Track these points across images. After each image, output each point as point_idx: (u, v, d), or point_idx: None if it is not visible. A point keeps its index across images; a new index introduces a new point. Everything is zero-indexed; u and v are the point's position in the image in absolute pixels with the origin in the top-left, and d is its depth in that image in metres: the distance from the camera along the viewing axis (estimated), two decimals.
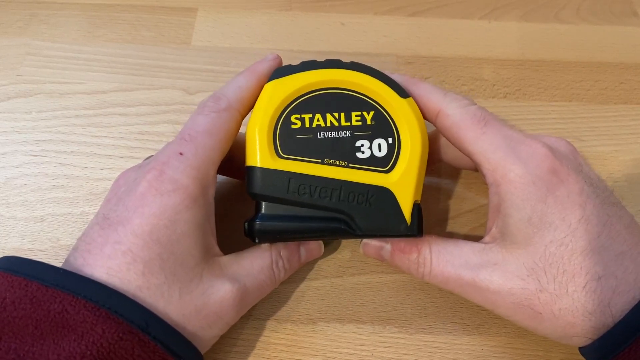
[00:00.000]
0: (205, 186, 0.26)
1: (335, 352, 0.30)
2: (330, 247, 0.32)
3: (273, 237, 0.27)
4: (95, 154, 0.35)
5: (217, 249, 0.27)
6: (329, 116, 0.27)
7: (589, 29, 0.42)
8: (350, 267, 0.32)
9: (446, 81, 0.39)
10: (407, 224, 0.27)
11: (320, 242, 0.30)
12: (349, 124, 0.27)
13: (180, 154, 0.25)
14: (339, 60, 0.28)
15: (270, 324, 0.30)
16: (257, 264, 0.27)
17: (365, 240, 0.29)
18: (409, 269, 0.28)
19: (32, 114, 0.37)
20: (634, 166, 0.36)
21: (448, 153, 0.31)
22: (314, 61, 0.28)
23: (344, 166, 0.27)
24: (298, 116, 0.27)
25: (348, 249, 0.33)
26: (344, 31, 0.41)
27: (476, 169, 0.30)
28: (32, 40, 0.40)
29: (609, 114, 0.38)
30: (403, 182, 0.27)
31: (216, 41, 0.40)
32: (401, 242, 0.28)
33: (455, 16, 0.42)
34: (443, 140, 0.31)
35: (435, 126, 0.29)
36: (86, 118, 0.37)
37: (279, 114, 0.27)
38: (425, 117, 0.28)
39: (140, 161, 0.35)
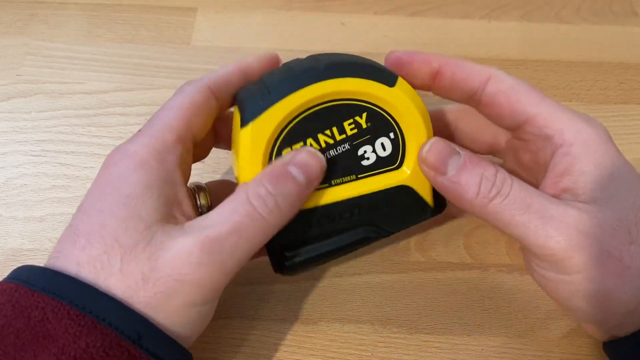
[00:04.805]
0: (158, 150, 0.23)
1: (335, 352, 0.30)
2: None
3: (305, 268, 0.26)
4: (95, 154, 0.35)
5: (181, 218, 0.23)
6: (321, 137, 0.24)
7: (589, 28, 0.42)
8: (350, 267, 0.32)
9: None
10: (431, 207, 0.26)
11: (312, 150, 0.24)
12: (344, 136, 0.25)
13: (139, 131, 0.24)
14: (312, 68, 0.24)
15: (270, 324, 0.30)
16: (227, 207, 0.22)
17: (424, 156, 0.25)
18: (474, 190, 0.24)
19: (32, 113, 0.37)
20: (635, 166, 0.36)
21: (465, 129, 0.29)
22: (284, 77, 0.24)
23: (353, 180, 0.25)
24: (289, 150, 0.24)
25: None
26: (344, 31, 0.41)
27: (491, 148, 0.29)
28: (32, 40, 0.40)
29: (609, 113, 0.38)
30: (417, 171, 0.26)
31: (216, 41, 0.40)
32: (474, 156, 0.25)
33: (455, 16, 0.42)
34: (454, 117, 0.29)
35: (480, 94, 0.26)
36: (86, 118, 0.37)
37: (268, 157, 0.24)
38: (460, 85, 0.26)
39: None
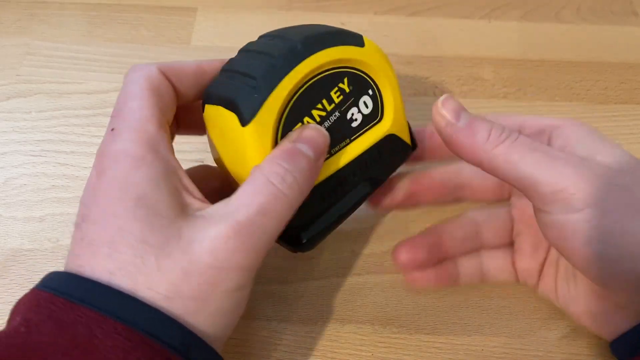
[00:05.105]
0: (150, 143, 0.22)
1: (335, 352, 0.30)
2: (330, 248, 0.32)
3: (322, 238, 0.26)
4: (95, 154, 0.35)
5: (198, 204, 0.23)
6: (314, 112, 0.25)
7: (589, 28, 0.42)
8: (350, 267, 0.32)
9: (446, 81, 0.39)
10: (410, 145, 0.28)
11: (314, 125, 0.25)
12: (333, 105, 0.25)
13: (112, 130, 0.23)
14: (291, 50, 0.24)
15: (270, 324, 0.30)
16: (248, 189, 0.22)
17: (440, 106, 0.25)
18: (484, 135, 0.24)
19: (32, 113, 0.37)
20: None
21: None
22: (267, 66, 0.24)
23: (347, 144, 0.26)
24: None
25: (348, 249, 0.32)
26: None
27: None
28: (32, 40, 0.40)
29: (609, 113, 0.38)
30: (396, 118, 0.27)
31: (216, 41, 0.40)
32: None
33: (455, 16, 0.42)
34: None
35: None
36: (86, 118, 0.37)
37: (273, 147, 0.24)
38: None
39: None
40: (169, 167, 0.23)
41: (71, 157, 0.35)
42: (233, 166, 0.25)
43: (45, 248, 0.32)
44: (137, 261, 0.20)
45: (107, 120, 0.37)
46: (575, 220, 0.22)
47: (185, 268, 0.21)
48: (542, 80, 0.39)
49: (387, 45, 0.41)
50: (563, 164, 0.23)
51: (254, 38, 0.27)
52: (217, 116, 0.25)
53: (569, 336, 0.30)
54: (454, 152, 0.25)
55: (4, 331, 0.20)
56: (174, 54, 0.40)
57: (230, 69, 0.26)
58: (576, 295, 0.27)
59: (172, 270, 0.21)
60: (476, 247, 0.30)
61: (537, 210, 0.24)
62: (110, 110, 0.37)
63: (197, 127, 0.28)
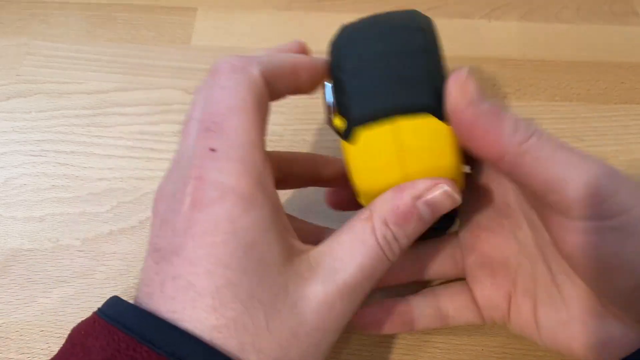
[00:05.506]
0: (259, 179, 0.20)
1: (335, 352, 0.29)
2: None
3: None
4: (95, 154, 0.35)
5: (298, 244, 0.21)
6: None
7: (589, 28, 0.42)
8: None
9: None
10: None
11: (449, 191, 0.21)
12: None
13: (212, 150, 0.19)
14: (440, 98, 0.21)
15: None
16: (355, 247, 0.21)
17: (464, 79, 0.21)
18: (511, 127, 0.20)
19: (32, 113, 0.37)
20: (635, 166, 0.36)
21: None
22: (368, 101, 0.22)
23: None
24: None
25: None
26: None
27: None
28: (32, 40, 0.40)
29: (609, 113, 0.38)
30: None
31: (216, 41, 0.40)
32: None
33: (455, 16, 0.42)
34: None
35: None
36: (86, 118, 0.37)
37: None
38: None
39: (141, 161, 0.35)
40: (275, 208, 0.20)
41: (71, 157, 0.35)
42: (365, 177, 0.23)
43: (45, 248, 0.32)
44: (245, 319, 0.18)
45: (107, 120, 0.37)
46: (609, 229, 0.20)
47: (294, 329, 0.19)
48: (542, 80, 0.39)
49: None
50: (594, 165, 0.20)
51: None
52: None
53: None
54: (467, 140, 0.21)
55: None
56: (174, 54, 0.40)
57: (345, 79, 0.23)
58: (568, 319, 0.24)
59: (281, 331, 0.19)
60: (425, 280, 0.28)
61: (556, 218, 0.21)
62: (110, 110, 0.37)
63: None
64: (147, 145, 0.36)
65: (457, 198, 0.21)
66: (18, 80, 0.38)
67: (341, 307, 0.20)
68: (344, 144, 0.23)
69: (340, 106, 0.23)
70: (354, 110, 0.22)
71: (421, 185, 0.21)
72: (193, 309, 0.18)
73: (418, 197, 0.21)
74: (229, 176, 0.19)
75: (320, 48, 0.40)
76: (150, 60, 0.39)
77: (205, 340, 0.18)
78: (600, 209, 0.19)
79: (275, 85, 0.22)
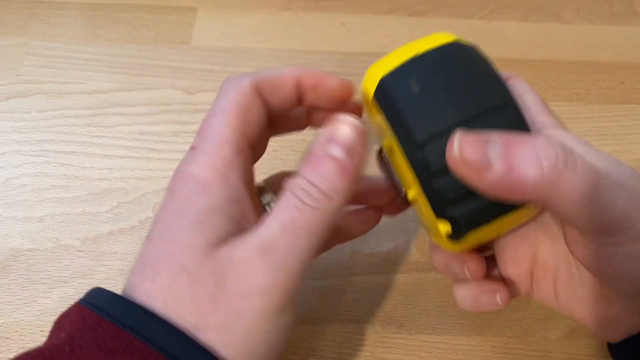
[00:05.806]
0: (219, 169, 0.22)
1: (335, 352, 0.30)
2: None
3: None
4: (95, 154, 0.35)
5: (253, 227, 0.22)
6: None
7: (589, 28, 0.42)
8: (350, 267, 0.32)
9: None
10: None
11: (350, 120, 0.21)
12: None
13: (192, 148, 0.23)
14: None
15: None
16: (276, 208, 0.21)
17: (457, 155, 0.19)
18: (536, 169, 0.18)
19: (32, 113, 0.37)
20: (635, 166, 0.36)
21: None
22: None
23: None
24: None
25: (348, 249, 0.32)
26: (345, 31, 0.41)
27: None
28: (32, 40, 0.40)
29: (609, 113, 0.38)
30: None
31: (216, 41, 0.40)
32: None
33: (455, 16, 0.42)
34: None
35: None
36: (86, 118, 0.37)
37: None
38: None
39: (141, 161, 0.35)
40: (233, 195, 0.22)
41: (71, 157, 0.35)
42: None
43: (45, 248, 0.32)
44: (172, 287, 0.20)
45: (107, 120, 0.37)
46: (617, 242, 0.20)
47: (213, 295, 0.20)
48: (542, 81, 0.39)
49: (387, 45, 0.41)
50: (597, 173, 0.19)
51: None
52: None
53: (569, 336, 0.30)
54: (508, 198, 0.19)
55: (47, 346, 0.20)
56: (174, 54, 0.40)
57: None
58: (582, 296, 0.25)
59: (201, 299, 0.20)
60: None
61: (585, 240, 0.21)
62: (110, 110, 0.37)
63: (290, 126, 0.27)
64: (147, 146, 0.36)
65: (359, 124, 0.21)
66: (18, 80, 0.38)
67: (260, 265, 0.20)
68: (444, 240, 0.22)
69: (430, 191, 0.21)
70: (462, 216, 0.21)
71: (325, 132, 0.22)
72: (142, 280, 0.21)
73: (325, 143, 0.21)
74: (197, 167, 0.22)
75: (319, 48, 0.40)
76: (150, 60, 0.39)
77: (152, 309, 0.20)
78: (607, 225, 0.19)
79: (270, 93, 0.24)
